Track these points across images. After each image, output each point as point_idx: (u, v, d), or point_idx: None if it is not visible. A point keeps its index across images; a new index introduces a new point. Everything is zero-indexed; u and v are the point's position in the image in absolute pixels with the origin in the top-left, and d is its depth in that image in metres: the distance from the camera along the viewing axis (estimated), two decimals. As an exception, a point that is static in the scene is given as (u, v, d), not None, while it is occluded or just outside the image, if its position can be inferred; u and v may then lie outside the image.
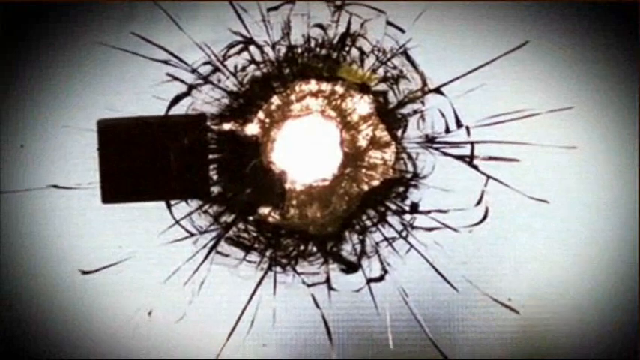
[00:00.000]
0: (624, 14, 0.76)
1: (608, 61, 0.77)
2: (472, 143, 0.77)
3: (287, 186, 0.81)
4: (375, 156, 0.80)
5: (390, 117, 0.79)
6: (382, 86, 0.79)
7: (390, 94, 0.79)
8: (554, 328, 0.79)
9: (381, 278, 0.79)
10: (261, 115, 0.79)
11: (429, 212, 0.79)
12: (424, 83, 0.79)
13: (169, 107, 0.77)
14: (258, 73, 0.79)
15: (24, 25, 0.78)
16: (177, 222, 0.78)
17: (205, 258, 0.79)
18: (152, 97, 0.76)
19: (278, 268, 0.80)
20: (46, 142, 0.78)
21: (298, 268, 0.80)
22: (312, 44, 0.78)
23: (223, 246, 0.80)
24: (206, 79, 0.78)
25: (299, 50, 0.78)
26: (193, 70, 0.77)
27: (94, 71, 0.77)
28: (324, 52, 0.78)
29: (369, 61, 0.78)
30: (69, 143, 0.77)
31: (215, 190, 0.79)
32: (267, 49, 0.77)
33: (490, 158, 0.78)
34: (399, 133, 0.79)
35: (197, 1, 0.76)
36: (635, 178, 0.77)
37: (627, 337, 0.77)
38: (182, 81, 0.77)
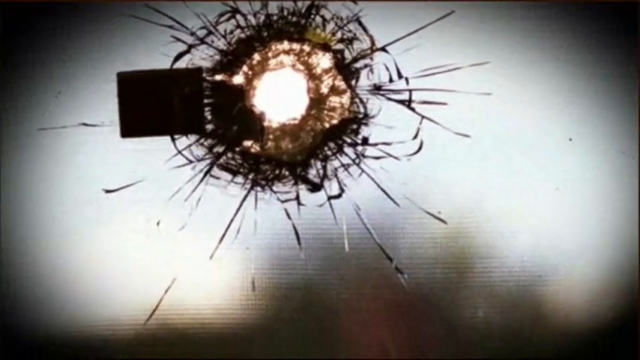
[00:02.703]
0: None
1: (515, 22, 0.98)
2: (410, 90, 0.99)
3: (265, 124, 1.02)
4: (334, 100, 1.01)
5: (346, 70, 1.00)
6: (340, 46, 1.00)
7: (346, 52, 1.00)
8: (474, 234, 1.00)
9: (339, 196, 1.00)
10: (245, 68, 1.01)
11: (376, 144, 1.00)
12: (372, 44, 1.00)
13: (173, 62, 0.98)
14: (242, 35, 1.00)
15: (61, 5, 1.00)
16: (179, 152, 0.99)
17: (201, 180, 1.00)
18: (160, 54, 0.97)
19: (258, 188, 1.01)
20: (78, 90, 0.99)
21: (274, 188, 1.01)
22: (285, 13, 0.99)
23: (215, 171, 1.02)
24: (202, 41, 1.00)
25: (275, 18, 0.99)
26: (192, 34, 0.98)
27: (115, 35, 0.99)
28: (294, 19, 1.00)
29: (330, 26, 0.99)
30: (96, 90, 0.98)
31: (209, 127, 1.00)
32: (250, 17, 0.98)
33: (424, 102, 0.99)
34: (353, 82, 1.01)
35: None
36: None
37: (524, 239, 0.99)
38: (183, 42, 0.98)
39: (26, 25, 0.99)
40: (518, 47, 0.98)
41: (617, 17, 1.02)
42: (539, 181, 0.98)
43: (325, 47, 0.99)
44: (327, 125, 1.01)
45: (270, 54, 1.01)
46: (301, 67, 1.01)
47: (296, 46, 1.00)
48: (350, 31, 0.99)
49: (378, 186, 0.97)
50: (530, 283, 1.01)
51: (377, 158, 0.99)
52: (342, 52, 1.00)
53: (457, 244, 0.99)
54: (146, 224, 0.97)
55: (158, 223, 0.97)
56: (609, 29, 1.03)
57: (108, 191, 0.97)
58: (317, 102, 1.01)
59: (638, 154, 0.95)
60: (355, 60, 1.00)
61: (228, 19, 0.98)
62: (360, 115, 1.01)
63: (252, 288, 1.00)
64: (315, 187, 1.01)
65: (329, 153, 1.01)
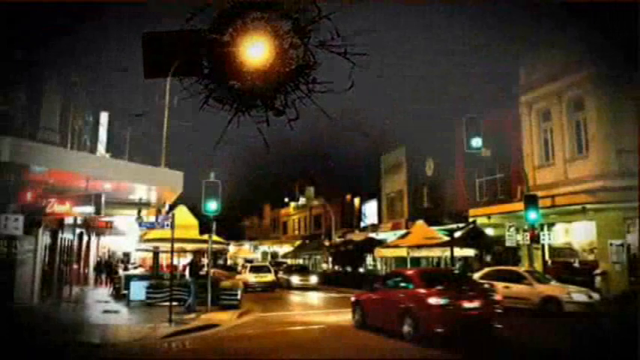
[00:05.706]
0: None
1: None
2: (346, 45, 1.44)
3: (245, 68, 1.47)
4: (293, 52, 1.47)
5: (301, 31, 1.46)
6: (296, 14, 1.45)
7: (301, 19, 1.45)
8: (388, 141, 1.47)
9: (296, 118, 1.47)
10: (230, 30, 1.45)
11: (322, 82, 1.46)
12: (319, 12, 1.45)
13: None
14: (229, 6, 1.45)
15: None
16: (184, 88, 1.45)
17: (201, 107, 1.46)
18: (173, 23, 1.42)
19: (240, 113, 1.47)
20: (120, 47, 1.45)
21: (251, 113, 1.47)
22: (259, -10, 1.44)
23: (210, 101, 1.47)
24: (201, 10, 1.44)
25: (254, -6, 1.44)
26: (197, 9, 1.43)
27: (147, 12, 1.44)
28: (265, -5, 1.44)
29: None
30: (129, 47, 1.43)
31: (206, 70, 1.46)
32: (236, -7, 1.43)
33: (355, 54, 1.45)
34: (306, 40, 1.46)
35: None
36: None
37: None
38: (188, 11, 1.43)
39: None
40: (428, 14, 1.44)
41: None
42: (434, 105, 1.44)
43: (286, 15, 1.44)
44: (287, 69, 1.47)
45: (247, 20, 1.45)
46: (269, 29, 1.46)
47: (266, 14, 1.45)
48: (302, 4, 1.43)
49: (323, 111, 1.44)
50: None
51: (322, 92, 1.45)
52: (297, 19, 1.45)
53: (380, 149, 1.44)
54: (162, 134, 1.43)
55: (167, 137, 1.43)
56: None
57: (137, 115, 1.43)
58: (281, 53, 1.46)
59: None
60: (307, 24, 1.45)
61: (219, -5, 1.42)
62: (311, 63, 1.46)
63: (235, 179, 1.47)
64: (279, 113, 1.47)
65: (289, 89, 1.47)
